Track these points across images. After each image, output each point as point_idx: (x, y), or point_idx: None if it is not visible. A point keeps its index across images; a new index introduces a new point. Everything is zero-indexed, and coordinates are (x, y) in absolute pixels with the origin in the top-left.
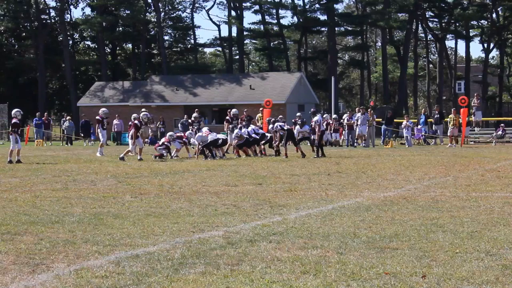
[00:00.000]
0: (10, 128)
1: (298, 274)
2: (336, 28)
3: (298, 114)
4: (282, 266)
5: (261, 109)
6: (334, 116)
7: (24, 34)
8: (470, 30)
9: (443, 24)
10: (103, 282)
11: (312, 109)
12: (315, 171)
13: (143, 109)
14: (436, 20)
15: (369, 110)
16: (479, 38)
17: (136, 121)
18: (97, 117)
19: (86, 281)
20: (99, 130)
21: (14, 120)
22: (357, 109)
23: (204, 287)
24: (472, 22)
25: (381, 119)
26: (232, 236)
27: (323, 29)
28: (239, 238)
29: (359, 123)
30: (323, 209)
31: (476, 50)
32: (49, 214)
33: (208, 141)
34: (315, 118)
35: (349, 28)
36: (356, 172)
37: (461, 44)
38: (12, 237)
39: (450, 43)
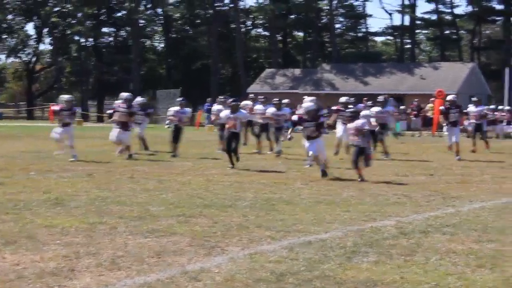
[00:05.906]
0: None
1: (473, 267)
2: None
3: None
4: (456, 259)
5: (431, 99)
6: (507, 107)
7: (198, 21)
8: None
9: None
10: (277, 267)
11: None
12: (488, 163)
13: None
14: None
15: None
16: None
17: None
18: None
19: (260, 265)
20: None
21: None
22: None
23: (378, 276)
24: None
25: None
26: (405, 226)
27: (498, 18)
28: (411, 229)
29: None
30: (497, 202)
31: None
32: (222, 198)
33: None
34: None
35: None
36: None
37: None
38: (187, 220)
39: None
